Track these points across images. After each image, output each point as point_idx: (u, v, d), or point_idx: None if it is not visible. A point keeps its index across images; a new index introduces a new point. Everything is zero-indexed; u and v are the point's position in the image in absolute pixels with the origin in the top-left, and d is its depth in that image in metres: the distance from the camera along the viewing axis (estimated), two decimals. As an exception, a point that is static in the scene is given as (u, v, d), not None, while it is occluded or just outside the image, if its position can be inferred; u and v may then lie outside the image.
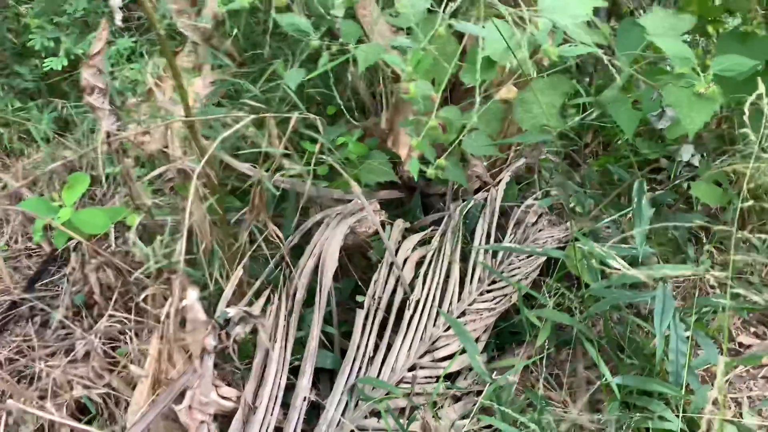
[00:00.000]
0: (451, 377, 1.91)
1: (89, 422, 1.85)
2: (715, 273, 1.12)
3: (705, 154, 1.99)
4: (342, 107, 1.86)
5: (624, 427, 1.70)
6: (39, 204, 1.73)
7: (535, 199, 2.30)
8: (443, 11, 1.15)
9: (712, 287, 2.22)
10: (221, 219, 1.70)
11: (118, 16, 1.36)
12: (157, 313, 1.66)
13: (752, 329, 2.24)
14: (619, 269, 1.45)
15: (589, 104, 2.27)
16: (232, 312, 1.59)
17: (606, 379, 1.72)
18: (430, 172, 1.39)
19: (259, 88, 1.98)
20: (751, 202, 1.24)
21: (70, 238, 1.95)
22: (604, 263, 1.47)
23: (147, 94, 2.13)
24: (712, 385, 1.92)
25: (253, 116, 1.52)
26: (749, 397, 2.03)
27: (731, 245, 1.17)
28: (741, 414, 1.94)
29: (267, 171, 1.76)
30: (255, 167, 1.80)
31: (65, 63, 2.62)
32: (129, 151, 1.88)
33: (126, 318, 1.92)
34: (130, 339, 1.94)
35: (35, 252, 2.42)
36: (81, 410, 1.87)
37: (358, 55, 1.58)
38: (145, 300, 1.89)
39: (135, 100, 2.05)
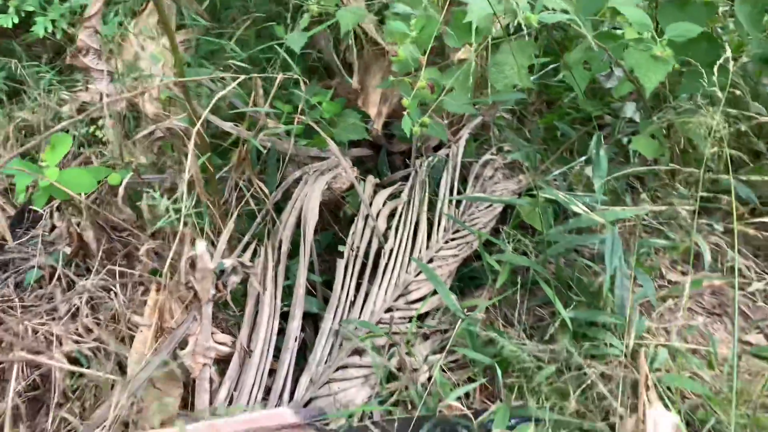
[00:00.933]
0: (420, 318, 2.09)
1: (81, 376, 1.91)
2: (685, 207, 1.32)
3: (644, 111, 2.21)
4: (338, 67, 1.93)
5: (576, 355, 1.92)
6: (24, 165, 1.75)
7: (492, 155, 2.48)
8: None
9: (647, 232, 2.48)
10: (210, 176, 1.77)
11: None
12: (154, 266, 1.73)
13: (679, 268, 2.54)
14: (579, 213, 1.66)
15: (541, 65, 2.45)
16: (228, 263, 1.69)
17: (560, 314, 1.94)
18: (416, 129, 1.52)
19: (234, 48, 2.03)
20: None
21: (50, 199, 1.97)
22: (565, 208, 1.66)
23: (119, 54, 2.14)
24: (649, 315, 2.20)
25: (243, 77, 1.59)
26: (677, 326, 2.33)
27: (700, 183, 1.38)
28: (670, 340, 2.22)
29: (249, 130, 1.85)
30: (237, 126, 1.88)
31: (16, 20, 2.54)
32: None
33: (111, 272, 1.97)
34: (115, 295, 2.00)
35: (-1, 214, 2.39)
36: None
37: (340, 19, 1.67)
38: (129, 256, 1.95)
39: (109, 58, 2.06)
